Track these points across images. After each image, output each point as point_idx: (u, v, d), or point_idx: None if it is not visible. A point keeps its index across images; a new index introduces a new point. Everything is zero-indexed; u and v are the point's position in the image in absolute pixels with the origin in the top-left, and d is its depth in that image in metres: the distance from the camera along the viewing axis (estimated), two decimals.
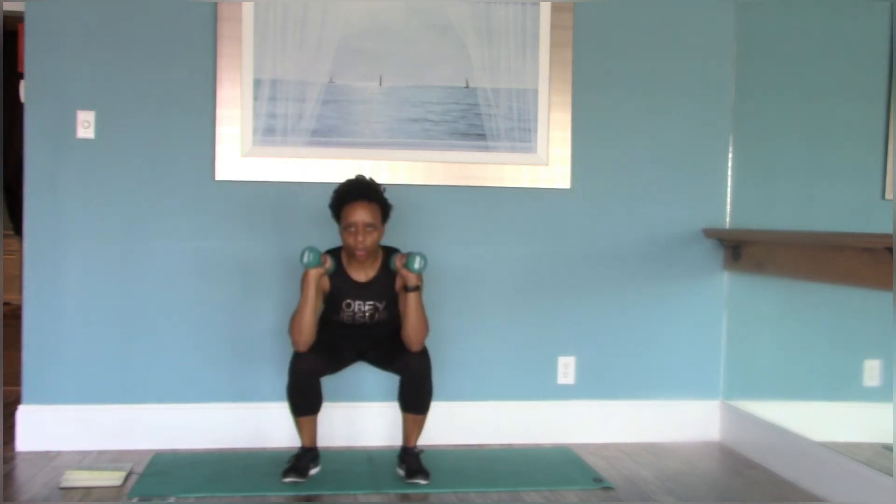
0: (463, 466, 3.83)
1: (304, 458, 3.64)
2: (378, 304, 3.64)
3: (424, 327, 3.57)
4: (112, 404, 3.99)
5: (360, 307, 3.63)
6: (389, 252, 3.65)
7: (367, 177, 3.67)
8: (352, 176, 3.70)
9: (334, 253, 3.64)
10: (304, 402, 3.63)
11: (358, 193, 3.56)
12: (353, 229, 3.52)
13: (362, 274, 3.64)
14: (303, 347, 3.55)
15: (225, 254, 4.05)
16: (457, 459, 3.91)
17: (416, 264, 3.52)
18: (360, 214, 3.51)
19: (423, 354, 3.63)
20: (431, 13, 4.10)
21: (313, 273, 3.52)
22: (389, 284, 3.65)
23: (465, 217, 4.18)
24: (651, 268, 4.30)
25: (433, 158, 4.13)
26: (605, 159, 4.26)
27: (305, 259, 3.51)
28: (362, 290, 3.63)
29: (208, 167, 4.02)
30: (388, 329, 3.69)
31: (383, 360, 3.74)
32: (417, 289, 3.55)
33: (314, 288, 3.53)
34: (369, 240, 3.53)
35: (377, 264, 3.64)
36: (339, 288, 3.63)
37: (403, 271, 3.55)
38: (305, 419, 3.66)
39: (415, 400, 3.66)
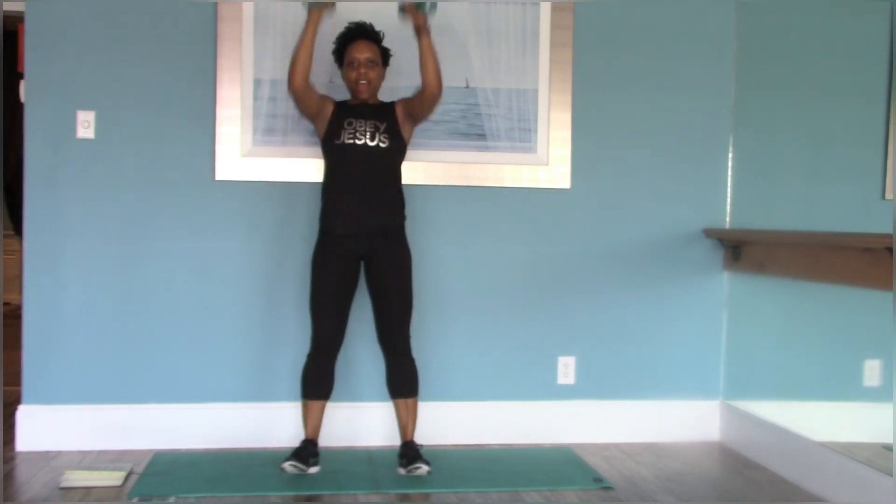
0: (463, 466, 3.83)
1: (306, 449, 3.66)
2: (378, 124, 3.69)
3: (439, 68, 3.63)
4: (112, 404, 3.99)
5: (362, 125, 3.68)
6: (389, 103, 3.77)
7: (368, 22, 3.77)
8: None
9: (340, 103, 3.74)
10: (318, 381, 3.68)
11: (359, 33, 3.72)
12: (355, 64, 3.67)
13: (365, 105, 3.75)
14: (298, 81, 3.59)
15: (225, 254, 4.05)
16: (457, 459, 3.91)
17: (427, 6, 3.59)
18: (362, 49, 3.68)
19: (404, 325, 3.70)
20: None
21: (315, 13, 3.59)
22: (390, 112, 3.73)
23: (465, 217, 4.18)
24: (651, 268, 4.30)
25: (433, 158, 4.13)
26: (606, 159, 4.26)
27: None
28: (364, 111, 3.72)
29: (208, 167, 4.02)
30: (390, 170, 3.71)
31: (378, 282, 3.71)
32: (427, 32, 3.60)
33: (314, 28, 3.59)
34: (371, 74, 3.68)
35: (378, 107, 3.75)
36: (341, 112, 3.72)
37: (412, 11, 3.59)
38: (314, 403, 3.69)
39: (401, 378, 3.73)
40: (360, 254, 3.69)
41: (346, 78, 3.73)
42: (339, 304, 3.69)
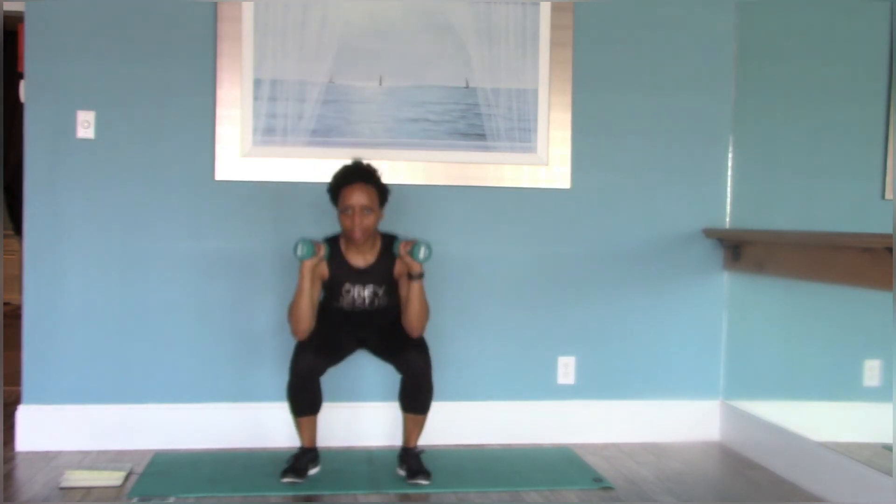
0: (463, 466, 3.83)
1: (303, 458, 3.64)
2: (377, 289, 3.65)
3: (426, 314, 3.60)
4: (112, 404, 3.99)
5: (360, 292, 3.64)
6: (388, 238, 3.67)
7: (365, 161, 3.69)
8: (349, 161, 3.72)
9: (333, 240, 3.66)
10: (304, 401, 3.63)
11: (355, 176, 3.60)
12: (350, 212, 3.56)
13: (361, 259, 3.66)
14: (301, 336, 3.57)
15: (225, 253, 4.05)
16: (457, 459, 3.91)
17: (421, 255, 3.54)
18: (357, 197, 3.55)
19: (424, 352, 3.63)
20: (431, 13, 4.10)
21: (308, 265, 3.55)
22: (389, 269, 3.66)
23: (464, 217, 4.18)
24: (651, 268, 4.30)
25: (433, 158, 4.13)
26: (605, 159, 4.26)
27: (299, 252, 3.53)
28: (361, 276, 3.65)
29: (208, 167, 4.02)
30: (389, 316, 3.70)
31: (384, 350, 3.74)
32: (421, 276, 3.56)
33: (309, 279, 3.56)
34: (366, 222, 3.56)
35: (376, 249, 3.67)
36: (337, 274, 3.65)
37: (408, 259, 3.56)
38: (305, 419, 3.66)
39: (415, 400, 3.66)
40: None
41: (340, 222, 3.60)
42: (328, 343, 3.65)
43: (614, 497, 3.51)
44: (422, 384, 3.63)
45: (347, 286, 3.64)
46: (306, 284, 3.54)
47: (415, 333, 3.61)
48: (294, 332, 3.58)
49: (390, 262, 3.65)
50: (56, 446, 3.92)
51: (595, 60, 4.22)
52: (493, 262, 4.20)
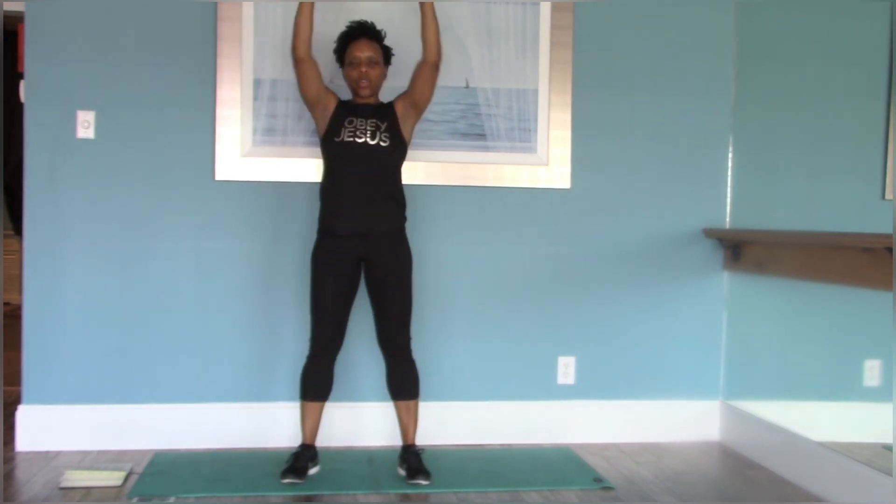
0: (463, 466, 3.83)
1: (303, 456, 3.64)
2: (379, 124, 3.68)
3: (439, 35, 3.68)
4: (112, 404, 3.99)
5: (363, 123, 3.67)
6: (389, 102, 3.76)
7: (370, 21, 3.77)
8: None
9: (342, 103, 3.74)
10: (317, 382, 3.66)
11: (361, 32, 3.71)
12: (356, 62, 3.66)
13: (365, 105, 3.75)
14: (300, 44, 3.61)
15: (225, 254, 4.05)
16: (457, 459, 3.91)
17: None
18: (363, 49, 3.66)
19: (405, 329, 3.69)
20: None
21: None
22: (391, 112, 3.73)
23: (465, 217, 4.18)
24: (651, 268, 4.30)
25: (433, 158, 4.13)
26: (605, 159, 4.26)
27: None
28: (365, 110, 3.71)
29: (208, 167, 4.02)
30: (390, 170, 3.70)
31: (377, 285, 3.69)
32: None
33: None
34: (372, 73, 3.67)
35: (379, 104, 3.75)
36: (343, 110, 3.70)
37: None
38: (312, 405, 3.68)
39: (402, 381, 3.71)
40: (360, 255, 3.68)
41: (347, 77, 3.73)
42: (339, 305, 3.68)
43: (614, 497, 3.51)
44: (406, 365, 3.71)
45: (351, 118, 3.68)
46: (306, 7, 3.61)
47: (436, 53, 3.68)
48: (293, 45, 3.63)
49: (392, 111, 3.73)
50: (56, 446, 3.92)
51: (595, 60, 4.22)
52: (492, 262, 4.20)
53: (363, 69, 3.66)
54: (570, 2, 4.17)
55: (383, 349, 3.75)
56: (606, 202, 4.27)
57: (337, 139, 3.66)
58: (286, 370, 4.00)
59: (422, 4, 3.67)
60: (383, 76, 3.76)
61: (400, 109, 3.74)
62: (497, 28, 4.15)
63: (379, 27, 3.76)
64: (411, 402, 3.74)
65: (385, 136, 3.67)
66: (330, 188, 3.69)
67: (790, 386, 3.93)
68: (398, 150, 3.72)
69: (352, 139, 3.65)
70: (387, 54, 3.77)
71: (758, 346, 4.16)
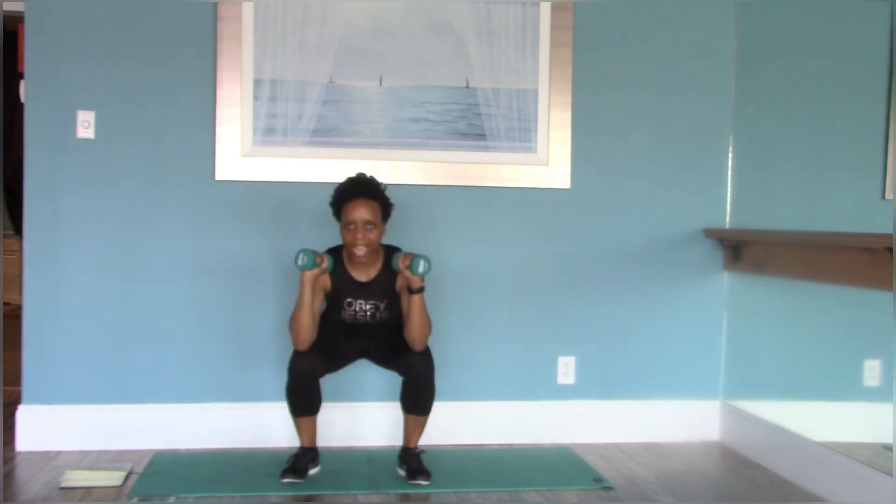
0: (463, 466, 3.83)
1: (303, 458, 3.64)
2: (379, 304, 3.64)
3: (428, 328, 3.58)
4: (112, 404, 3.99)
5: (362, 306, 3.63)
6: (391, 251, 3.65)
7: (368, 175, 3.66)
8: (353, 174, 3.69)
9: (335, 252, 3.64)
10: (303, 402, 3.63)
11: (358, 191, 3.56)
12: (352, 227, 3.52)
13: (363, 273, 3.63)
14: (302, 347, 3.55)
15: (225, 254, 4.05)
16: (457, 459, 3.91)
17: (421, 268, 3.50)
18: (360, 212, 3.51)
19: (426, 355, 3.62)
20: (431, 13, 4.10)
21: (308, 275, 3.52)
22: (391, 284, 3.64)
23: (465, 217, 4.18)
24: (651, 268, 4.30)
25: (433, 158, 4.13)
26: (605, 159, 4.26)
27: (300, 261, 3.50)
28: (363, 290, 3.63)
29: (208, 167, 4.02)
30: (390, 328, 3.69)
31: (385, 359, 3.74)
32: (421, 290, 3.54)
33: (310, 289, 3.53)
34: (369, 237, 3.52)
35: (378, 263, 3.64)
36: (339, 287, 3.63)
37: (407, 273, 3.53)
38: (304, 419, 3.66)
39: (416, 401, 3.66)
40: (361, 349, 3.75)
41: (343, 237, 3.56)
42: (328, 349, 3.65)
43: (614, 497, 3.51)
44: (423, 386, 3.63)
45: (349, 300, 3.62)
46: (307, 295, 3.51)
47: (417, 347, 3.57)
48: (295, 342, 3.56)
49: (392, 276, 3.62)
50: (56, 446, 3.92)
51: (595, 60, 4.22)
52: (492, 262, 4.20)
53: (359, 235, 3.50)
54: (570, 2, 4.17)
55: (403, 374, 3.69)
56: (606, 202, 4.27)
57: (338, 317, 3.66)
58: (286, 370, 3.99)
59: (410, 294, 3.52)
60: (382, 234, 3.60)
61: (398, 285, 3.63)
62: (497, 28, 4.15)
63: (380, 181, 3.63)
64: (421, 418, 3.70)
65: (385, 314, 3.66)
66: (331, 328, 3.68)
67: (790, 386, 3.93)
68: (397, 315, 3.66)
69: (352, 321, 3.65)
70: (386, 211, 3.61)
71: (758, 346, 4.16)
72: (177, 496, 3.39)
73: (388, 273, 3.62)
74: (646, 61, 4.27)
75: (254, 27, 4.01)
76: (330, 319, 3.67)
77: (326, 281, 3.61)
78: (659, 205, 4.29)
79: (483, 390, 4.21)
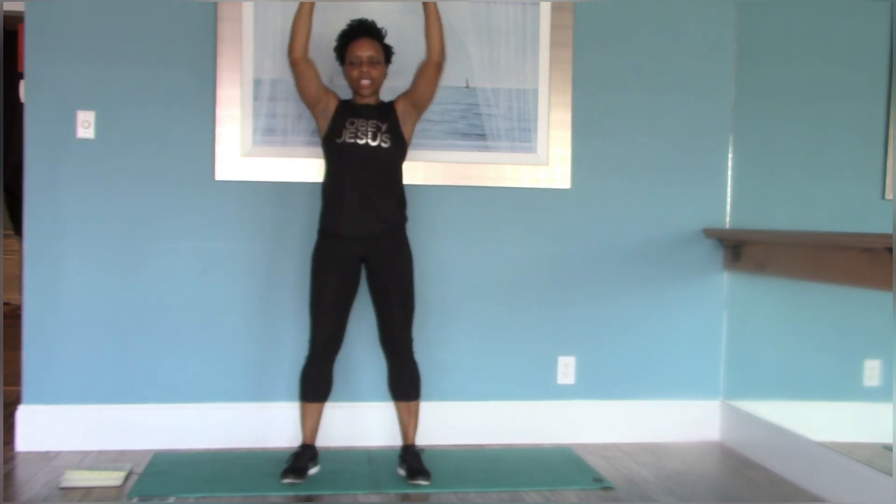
0: (463, 466, 3.83)
1: (303, 456, 3.64)
2: (380, 125, 3.69)
3: (443, 34, 3.70)
4: (112, 404, 3.99)
5: (363, 124, 3.67)
6: (389, 102, 3.76)
7: (370, 19, 3.77)
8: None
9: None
10: (317, 383, 3.66)
11: (361, 30, 3.71)
12: (357, 62, 3.66)
13: (366, 106, 3.75)
14: (296, 46, 3.62)
15: (225, 254, 4.05)
16: (457, 459, 3.91)
17: None
18: (364, 48, 3.66)
19: (407, 329, 3.69)
20: None
21: None
22: (392, 114, 3.73)
23: (465, 217, 4.18)
24: (651, 268, 4.30)
25: (433, 158, 4.13)
26: (605, 159, 4.26)
27: None
28: (365, 110, 3.71)
29: (208, 167, 4.02)
30: (391, 170, 3.70)
31: (378, 286, 3.70)
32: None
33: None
34: (373, 73, 3.67)
35: (380, 104, 3.75)
36: (344, 110, 3.71)
37: None
38: (312, 406, 3.68)
39: (401, 382, 3.71)
40: (361, 255, 3.68)
41: (347, 76, 3.72)
42: (339, 306, 3.68)
43: (614, 497, 3.51)
44: (407, 366, 3.70)
45: (352, 119, 3.69)
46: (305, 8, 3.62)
47: (440, 52, 3.68)
48: (289, 46, 3.64)
49: (393, 110, 3.73)
50: (56, 446, 3.92)
51: (595, 60, 4.22)
52: (493, 262, 4.20)
53: (364, 68, 3.66)
54: (570, 2, 4.17)
55: (385, 349, 3.75)
56: (606, 202, 4.27)
57: (338, 140, 3.67)
58: (286, 370, 4.00)
59: (425, 4, 3.67)
60: (384, 75, 3.76)
61: (401, 109, 3.74)
62: (497, 28, 4.15)
63: (380, 25, 3.76)
64: (412, 404, 3.74)
65: (386, 137, 3.68)
66: (331, 189, 3.69)
67: (790, 386, 3.93)
68: (399, 150, 3.73)
69: (353, 140, 3.65)
70: (388, 53, 3.77)
71: (758, 346, 4.16)
72: (177, 496, 3.39)
73: (389, 104, 3.75)
74: (646, 61, 4.27)
75: (254, 27, 4.01)
76: (330, 148, 3.69)
77: (332, 103, 3.71)
78: (659, 205, 4.29)
79: (483, 390, 4.20)
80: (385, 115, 3.72)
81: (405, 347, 3.72)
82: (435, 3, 3.67)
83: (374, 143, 3.65)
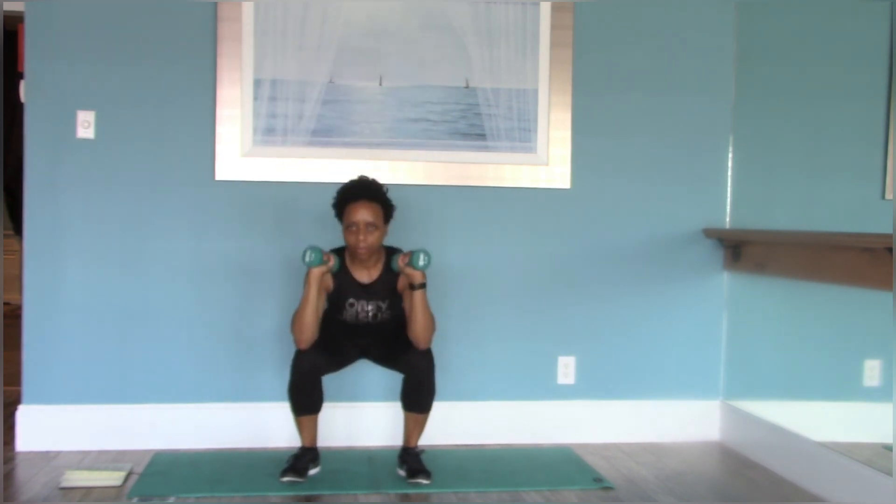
0: (463, 466, 3.83)
1: (304, 457, 3.64)
2: (381, 304, 3.65)
3: (432, 325, 3.59)
4: (112, 404, 3.99)
5: (364, 307, 3.64)
6: (392, 252, 3.65)
7: (370, 177, 3.67)
8: (354, 176, 3.70)
9: (338, 252, 3.64)
10: (305, 400, 3.63)
11: (360, 193, 3.58)
12: (354, 228, 3.54)
13: (365, 274, 3.64)
14: (304, 345, 3.56)
15: (225, 254, 4.05)
16: (457, 459, 3.91)
17: (421, 261, 3.52)
18: (362, 213, 3.53)
19: (427, 353, 3.63)
20: (431, 13, 4.10)
21: (315, 272, 3.53)
22: (392, 284, 3.65)
23: (465, 217, 4.18)
24: (651, 268, 4.30)
25: (433, 158, 4.13)
26: (605, 159, 4.26)
27: (307, 258, 3.51)
28: (365, 290, 3.64)
29: (208, 167, 4.02)
30: (391, 328, 3.69)
31: (386, 358, 3.74)
32: (423, 286, 3.55)
33: (316, 287, 3.54)
34: (371, 239, 3.54)
35: (380, 264, 3.65)
36: (342, 288, 3.64)
37: (408, 270, 3.54)
38: (306, 418, 3.66)
39: (417, 399, 3.66)
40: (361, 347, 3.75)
41: (345, 237, 3.59)
42: (330, 347, 3.65)
43: (614, 497, 3.52)
44: (423, 384, 3.64)
45: (351, 300, 3.64)
46: (313, 293, 3.52)
47: (422, 345, 3.58)
48: (297, 341, 3.57)
49: (394, 277, 3.64)
50: (56, 446, 3.92)
51: (595, 60, 4.22)
52: (492, 263, 4.20)
53: (361, 235, 3.53)
54: (570, 2, 4.17)
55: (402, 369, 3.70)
56: (606, 202, 4.27)
57: (339, 317, 3.67)
58: (286, 370, 3.99)
59: (412, 291, 3.54)
60: (384, 236, 3.62)
61: (400, 285, 3.66)
62: (497, 28, 4.15)
63: (382, 183, 3.65)
64: (421, 416, 3.71)
65: (387, 314, 3.68)
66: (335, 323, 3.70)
67: (790, 386, 3.93)
68: (399, 314, 3.68)
69: (354, 321, 3.66)
70: (388, 213, 3.63)
71: (758, 346, 4.16)
72: (177, 496, 3.39)
73: (390, 274, 3.64)
74: (646, 61, 4.27)
75: (254, 27, 4.01)
76: (331, 320, 3.68)
77: (329, 281, 3.63)
78: (659, 205, 4.29)
79: (483, 390, 4.21)
80: (385, 290, 3.64)
81: (425, 368, 3.64)
82: (423, 294, 3.54)
83: (374, 322, 3.67)
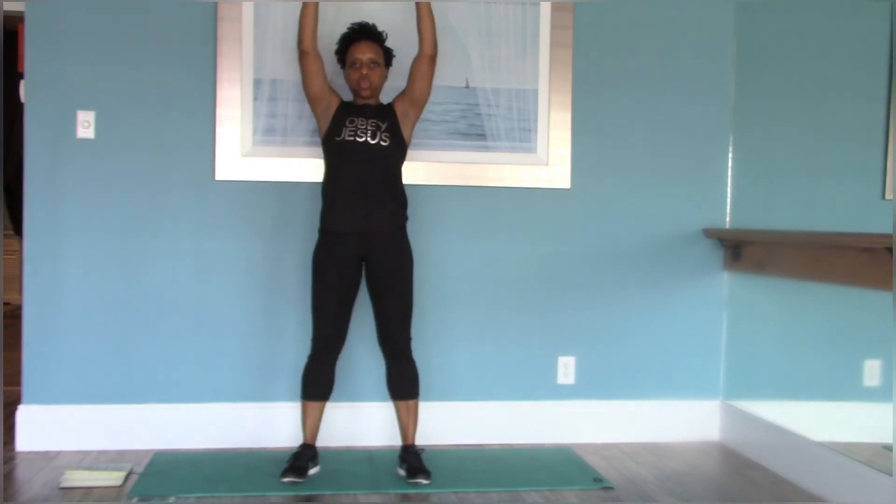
0: (463, 466, 3.83)
1: (304, 456, 3.64)
2: (380, 123, 3.70)
3: (435, 31, 3.69)
4: (112, 404, 3.99)
5: (363, 123, 3.68)
6: (388, 103, 3.77)
7: (371, 22, 3.79)
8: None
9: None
10: (318, 381, 3.66)
11: (362, 33, 3.73)
12: (357, 65, 3.68)
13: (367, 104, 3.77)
14: (306, 36, 3.63)
15: (225, 254, 4.05)
16: (457, 459, 3.91)
17: None
18: (364, 50, 3.68)
19: (405, 328, 3.70)
20: None
21: None
22: (391, 114, 3.73)
23: (464, 217, 4.18)
24: (651, 268, 4.30)
25: (433, 158, 4.13)
26: (605, 159, 4.26)
27: None
28: (365, 110, 3.72)
29: (208, 167, 4.02)
30: (391, 170, 3.70)
31: (377, 283, 3.70)
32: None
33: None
34: (373, 76, 3.68)
35: (380, 106, 3.77)
36: (344, 111, 3.71)
37: None
38: (313, 405, 3.68)
39: (401, 380, 3.72)
40: (361, 254, 3.68)
41: (348, 78, 3.73)
42: (341, 305, 3.69)
43: (614, 497, 3.52)
44: (406, 365, 3.71)
45: (352, 118, 3.70)
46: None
47: (432, 48, 3.68)
48: (298, 37, 3.65)
49: (392, 111, 3.74)
50: (56, 446, 3.92)
51: (595, 60, 4.23)
52: (492, 262, 4.20)
53: (364, 71, 3.67)
54: (570, 2, 4.17)
55: (383, 349, 3.75)
56: (606, 202, 4.27)
57: (338, 138, 3.67)
58: (287, 370, 4.00)
59: (417, 3, 3.68)
60: (384, 77, 3.76)
61: (399, 109, 3.75)
62: (497, 28, 4.15)
63: (380, 28, 3.76)
64: (411, 402, 3.74)
65: (385, 136, 3.68)
66: (330, 187, 3.69)
67: (790, 386, 3.93)
68: (398, 149, 3.73)
69: (352, 138, 3.65)
70: (388, 56, 3.78)
71: (758, 346, 4.16)
72: (177, 496, 3.39)
73: (388, 106, 3.76)
74: (646, 62, 4.27)
75: (254, 27, 4.01)
76: (330, 147, 3.69)
77: (334, 102, 3.72)
78: (659, 205, 4.29)
79: (483, 390, 4.21)
80: (385, 115, 3.73)
81: (403, 346, 3.72)
82: (428, 2, 3.68)
83: (373, 142, 3.66)
